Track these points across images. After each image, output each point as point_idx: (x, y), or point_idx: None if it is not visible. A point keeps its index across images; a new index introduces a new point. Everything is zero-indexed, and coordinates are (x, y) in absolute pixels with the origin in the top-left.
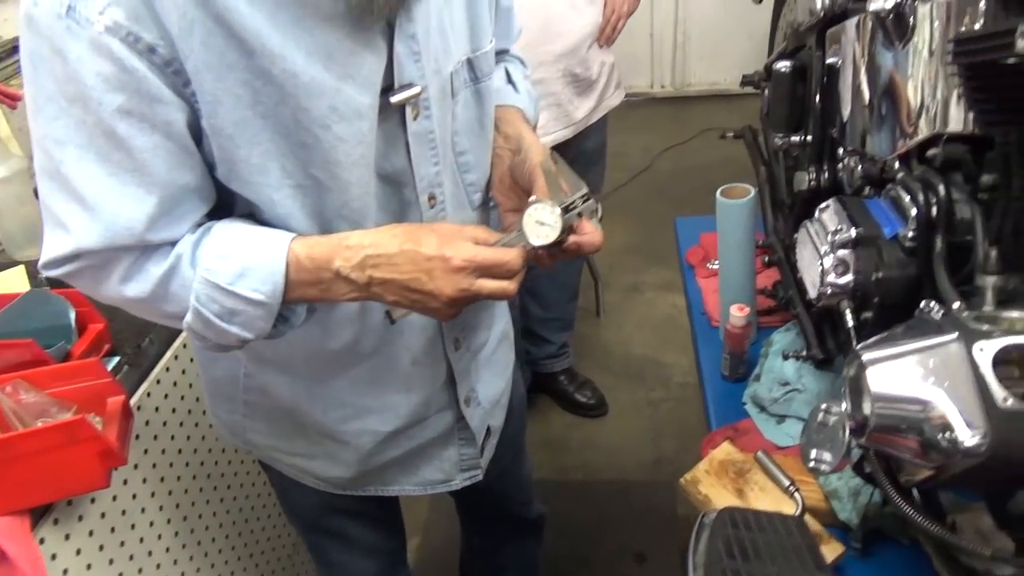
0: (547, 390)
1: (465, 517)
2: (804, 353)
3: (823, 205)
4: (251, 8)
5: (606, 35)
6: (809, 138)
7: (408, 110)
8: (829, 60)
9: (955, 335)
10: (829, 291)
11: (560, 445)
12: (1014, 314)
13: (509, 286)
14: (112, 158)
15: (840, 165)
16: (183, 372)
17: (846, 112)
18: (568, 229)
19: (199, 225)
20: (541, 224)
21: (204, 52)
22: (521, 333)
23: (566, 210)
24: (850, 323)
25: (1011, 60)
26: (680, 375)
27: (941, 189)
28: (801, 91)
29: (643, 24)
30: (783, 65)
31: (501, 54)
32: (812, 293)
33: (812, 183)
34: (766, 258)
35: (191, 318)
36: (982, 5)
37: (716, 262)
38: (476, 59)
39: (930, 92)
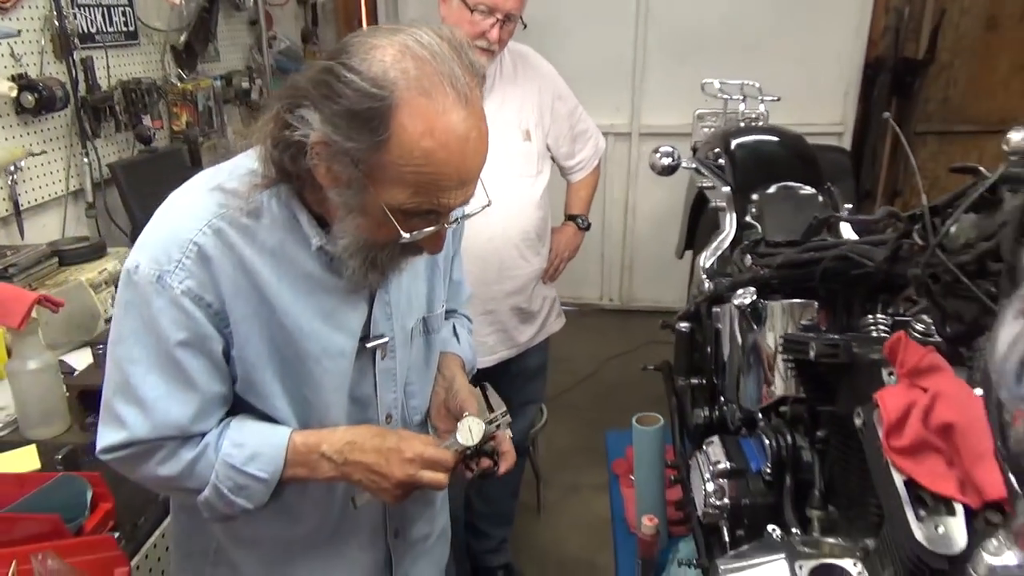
0: None
1: None
2: (695, 561)
3: (708, 440)
4: (279, 283)
5: (549, 274)
6: (704, 382)
7: (378, 353)
8: (716, 327)
9: (783, 555)
10: (710, 511)
11: None
12: (831, 540)
13: (443, 479)
14: (170, 374)
15: (725, 408)
16: (166, 549)
17: (725, 371)
18: (490, 437)
19: (221, 420)
20: (470, 431)
21: (244, 307)
22: (464, 526)
23: (489, 423)
24: (726, 537)
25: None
26: None
27: (788, 438)
28: (697, 346)
29: (595, 245)
30: (683, 325)
31: (452, 312)
32: (699, 511)
33: (705, 419)
34: (672, 477)
35: (209, 492)
36: (811, 312)
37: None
38: (429, 318)
39: (780, 366)
